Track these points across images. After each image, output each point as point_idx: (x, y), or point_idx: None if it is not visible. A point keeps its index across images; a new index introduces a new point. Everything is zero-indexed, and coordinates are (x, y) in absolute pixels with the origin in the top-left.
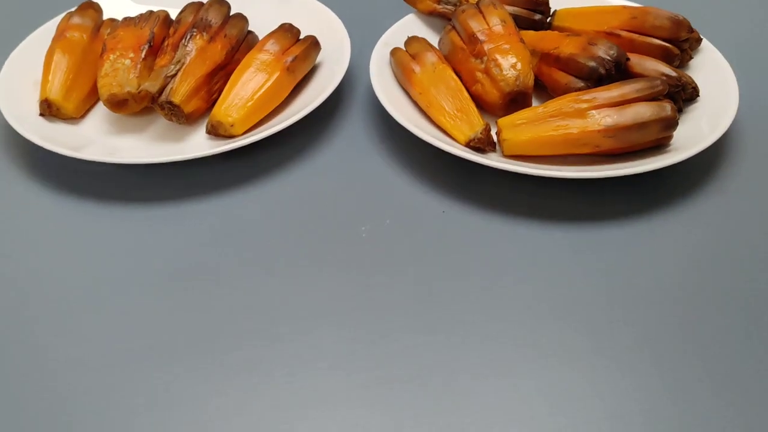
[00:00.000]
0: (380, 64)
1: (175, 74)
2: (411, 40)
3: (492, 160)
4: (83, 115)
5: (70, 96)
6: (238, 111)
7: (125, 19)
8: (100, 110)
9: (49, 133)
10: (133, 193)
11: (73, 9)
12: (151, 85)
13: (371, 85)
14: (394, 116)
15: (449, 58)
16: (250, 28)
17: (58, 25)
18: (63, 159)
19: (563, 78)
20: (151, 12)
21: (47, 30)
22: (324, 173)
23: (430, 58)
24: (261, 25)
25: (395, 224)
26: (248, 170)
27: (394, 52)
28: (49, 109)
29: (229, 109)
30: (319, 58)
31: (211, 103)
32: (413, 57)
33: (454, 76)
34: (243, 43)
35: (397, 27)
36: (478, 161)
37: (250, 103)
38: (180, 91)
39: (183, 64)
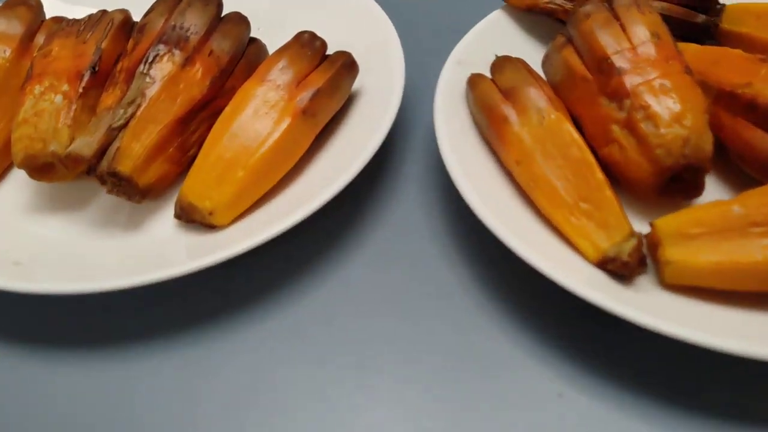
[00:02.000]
0: (451, 98)
1: (126, 123)
2: (502, 64)
3: (658, 319)
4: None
5: None
6: (222, 190)
7: (67, 22)
8: (21, 172)
9: None
10: (63, 329)
11: None
12: (86, 145)
13: (435, 131)
14: (478, 211)
15: (562, 91)
16: (253, 34)
17: None
18: None
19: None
20: (103, 13)
21: None
22: (351, 291)
23: (536, 99)
24: (270, 29)
25: (469, 407)
26: (240, 286)
27: (475, 82)
28: None
29: (207, 186)
30: (355, 84)
31: (186, 164)
32: (506, 94)
33: (577, 137)
34: (240, 62)
35: (478, 34)
36: (633, 320)
37: (240, 175)
38: (131, 153)
39: (139, 105)
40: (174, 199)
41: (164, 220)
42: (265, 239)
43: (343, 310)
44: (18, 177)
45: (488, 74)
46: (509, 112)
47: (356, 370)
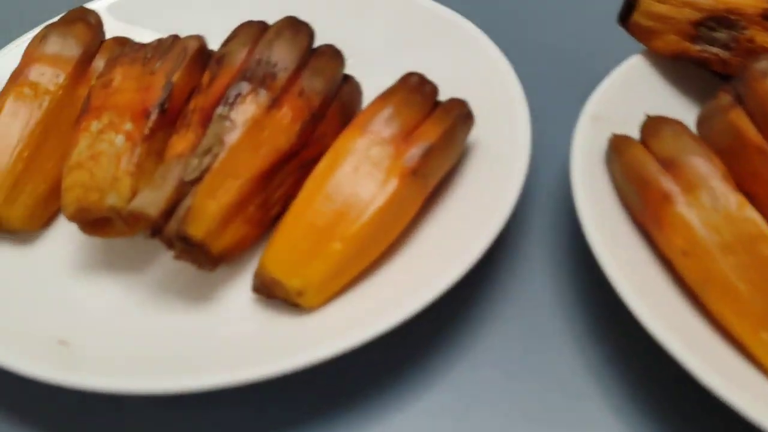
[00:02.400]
0: (590, 162)
1: (200, 177)
2: (658, 126)
3: None
4: (45, 224)
5: (17, 195)
6: (315, 266)
7: (131, 47)
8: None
9: None
10: None
11: (54, 20)
12: (152, 202)
13: (567, 200)
14: (638, 312)
15: (727, 162)
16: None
17: (23, 54)
18: None
19: None
20: (175, 39)
21: (11, 56)
22: (464, 400)
23: (707, 176)
24: (362, 64)
25: None
26: (325, 387)
27: (623, 146)
28: None
29: (295, 259)
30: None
31: (267, 225)
32: (665, 165)
33: (767, 230)
34: (333, 104)
35: (615, 84)
36: None
37: (338, 248)
38: (205, 213)
39: (216, 155)
40: (251, 263)
41: (239, 291)
42: (375, 334)
43: (453, 424)
44: (66, 226)
45: (633, 135)
46: (671, 188)
47: None
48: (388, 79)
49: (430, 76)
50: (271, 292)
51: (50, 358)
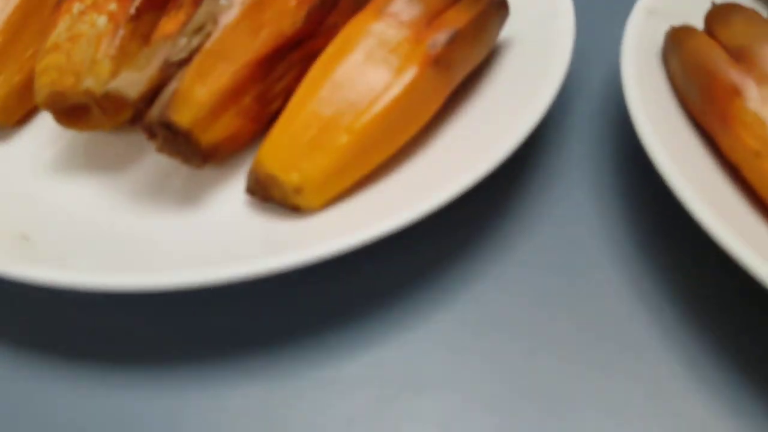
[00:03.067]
0: (644, 59)
1: (189, 58)
2: (727, 13)
3: None
4: (20, 122)
5: None
6: (316, 160)
7: None
8: (50, 117)
9: None
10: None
11: None
12: (132, 83)
13: (615, 101)
14: (706, 222)
15: None
16: None
17: None
18: None
19: None
20: None
21: None
22: (491, 312)
23: None
24: None
25: None
26: (352, 291)
27: (683, 37)
28: None
29: (295, 152)
30: (505, 31)
31: (266, 122)
32: (737, 55)
33: None
34: None
35: None
36: None
37: (344, 141)
38: (193, 99)
39: (209, 35)
40: (245, 166)
41: (231, 195)
42: (378, 235)
43: (470, 346)
44: (42, 125)
45: (702, 28)
46: (742, 80)
47: (499, 421)
48: None
49: None
50: (266, 193)
51: (9, 251)
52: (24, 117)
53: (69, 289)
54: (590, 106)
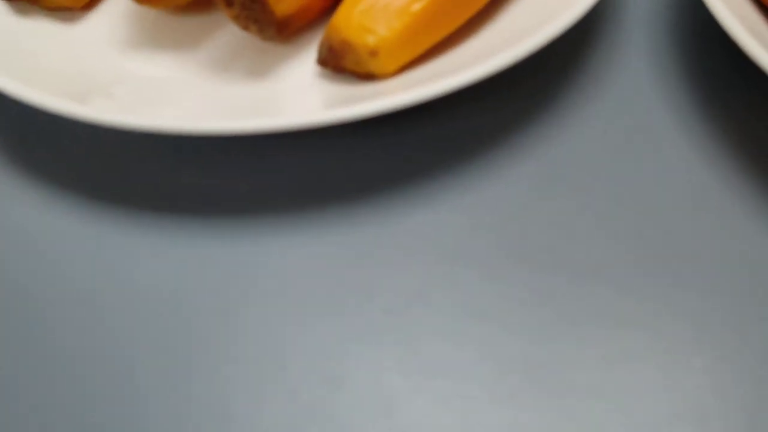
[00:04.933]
0: None
1: None
2: None
3: None
4: (88, 6)
5: None
6: (391, 22)
7: None
8: (119, 1)
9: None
10: (186, 191)
11: None
12: None
13: None
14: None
15: None
16: None
17: None
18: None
19: None
20: None
21: None
22: (555, 176)
23: None
24: None
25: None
26: (417, 147)
27: None
28: None
29: (369, 16)
30: None
31: None
32: None
33: None
34: None
35: None
36: None
37: (417, 7)
38: None
39: None
40: (314, 45)
41: (300, 69)
42: (442, 91)
43: (539, 198)
44: (114, 6)
45: None
46: None
47: (567, 278)
48: None
49: None
50: (339, 62)
51: (96, 103)
52: (92, 0)
53: (155, 132)
54: None
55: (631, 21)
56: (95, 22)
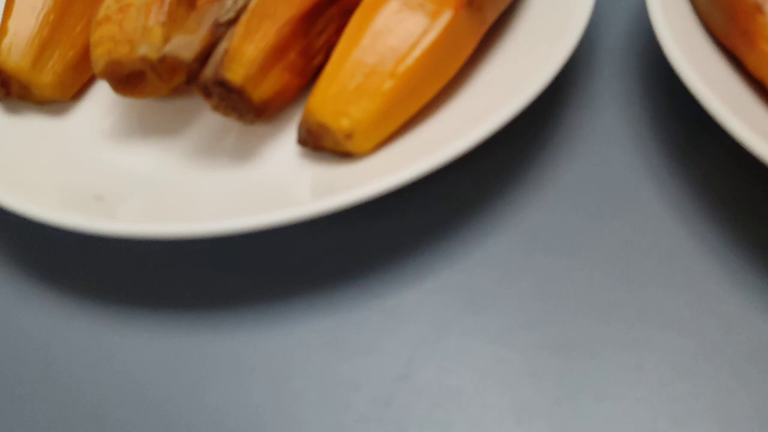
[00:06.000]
0: None
1: (236, 17)
2: None
3: None
4: (76, 96)
5: (45, 61)
6: (364, 105)
7: None
8: (104, 89)
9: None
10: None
11: None
12: (185, 45)
13: (640, 26)
14: (749, 142)
15: None
16: None
17: None
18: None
19: None
20: None
21: None
22: (533, 242)
23: None
24: None
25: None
26: (405, 227)
27: None
28: (8, 88)
29: (343, 99)
30: None
31: (310, 75)
32: None
33: None
34: None
35: None
36: None
37: (388, 86)
38: (243, 57)
39: None
40: (294, 121)
41: (283, 148)
42: (423, 171)
43: (520, 267)
44: (100, 94)
45: None
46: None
47: (548, 354)
48: None
49: None
50: (317, 142)
51: (87, 209)
52: (79, 91)
53: (148, 239)
54: (617, 30)
55: (602, 74)
56: (83, 112)
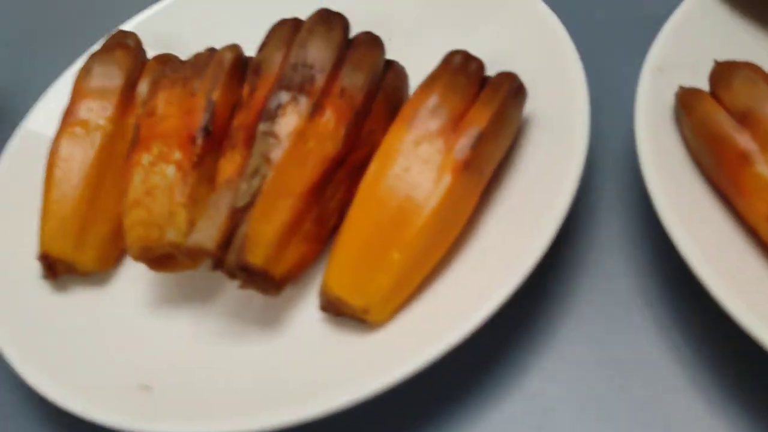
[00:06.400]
0: (656, 121)
1: (251, 201)
2: (728, 74)
3: None
4: (117, 262)
5: (85, 239)
6: (376, 281)
7: (171, 66)
8: None
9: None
10: None
11: (95, 48)
12: (207, 236)
13: (634, 170)
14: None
15: None
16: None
17: (72, 90)
18: None
19: None
20: (211, 52)
21: (57, 93)
22: (541, 410)
23: None
24: (402, 40)
25: None
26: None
27: (692, 102)
28: (54, 270)
29: (356, 276)
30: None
31: (326, 238)
32: (741, 119)
33: None
34: (377, 97)
35: (678, 29)
36: None
37: (397, 258)
38: (262, 239)
39: (264, 176)
40: (317, 278)
41: (307, 311)
42: (449, 346)
43: (546, 423)
44: (134, 264)
45: (702, 85)
46: (748, 146)
47: None
48: (432, 51)
49: (474, 44)
50: (338, 310)
51: (132, 406)
52: (117, 259)
53: None
54: (613, 173)
55: (596, 222)
56: (123, 280)
